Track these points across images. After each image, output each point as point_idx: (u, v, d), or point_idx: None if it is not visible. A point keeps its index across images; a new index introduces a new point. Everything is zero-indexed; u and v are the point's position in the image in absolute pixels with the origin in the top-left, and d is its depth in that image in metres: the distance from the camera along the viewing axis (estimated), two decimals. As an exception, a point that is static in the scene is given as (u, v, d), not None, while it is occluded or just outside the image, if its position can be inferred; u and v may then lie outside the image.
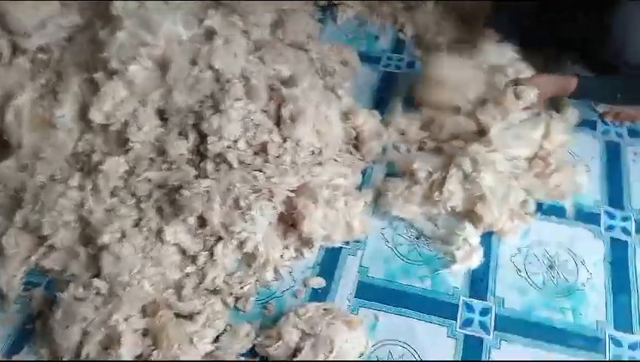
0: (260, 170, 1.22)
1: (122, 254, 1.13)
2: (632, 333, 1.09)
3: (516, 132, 1.28)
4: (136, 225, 1.18)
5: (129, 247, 1.13)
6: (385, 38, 1.75)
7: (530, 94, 1.28)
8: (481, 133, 1.31)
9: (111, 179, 1.23)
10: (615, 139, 1.44)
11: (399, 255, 1.22)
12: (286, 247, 1.20)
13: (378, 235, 1.25)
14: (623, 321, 1.11)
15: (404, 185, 1.28)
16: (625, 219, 1.27)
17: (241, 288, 1.13)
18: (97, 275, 1.13)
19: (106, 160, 1.24)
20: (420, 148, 1.39)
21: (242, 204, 1.16)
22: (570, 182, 1.28)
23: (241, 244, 1.15)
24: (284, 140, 1.26)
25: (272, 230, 1.19)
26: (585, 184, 1.31)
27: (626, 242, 1.23)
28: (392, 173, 1.35)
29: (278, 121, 1.30)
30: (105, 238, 1.14)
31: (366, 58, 1.67)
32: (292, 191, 1.22)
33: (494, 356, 1.06)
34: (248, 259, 1.17)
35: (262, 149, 1.26)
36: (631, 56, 1.29)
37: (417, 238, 1.24)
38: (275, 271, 1.17)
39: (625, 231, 1.25)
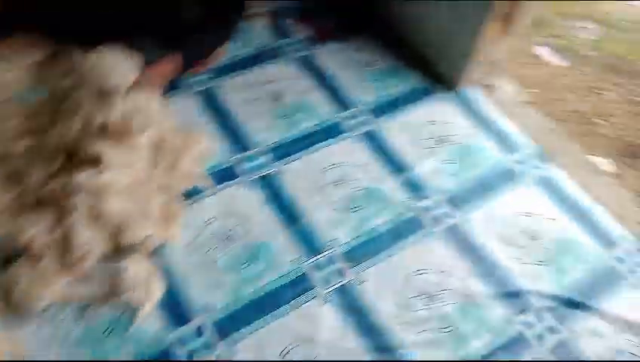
0: None
1: None
2: (322, 252, 1.12)
3: (117, 138, 1.09)
4: None
5: None
6: None
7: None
8: (86, 158, 1.07)
9: None
10: (208, 86, 1.39)
11: (78, 351, 0.96)
12: None
13: (30, 348, 0.95)
14: (310, 247, 1.13)
15: (29, 266, 0.99)
16: (257, 156, 1.26)
17: None
18: None
19: None
20: (16, 212, 1.06)
21: None
22: (197, 154, 1.20)
23: None
24: None
25: None
26: (210, 146, 1.24)
27: (271, 175, 1.23)
28: (7, 261, 1.02)
29: None
30: None
31: None
32: None
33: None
34: None
35: None
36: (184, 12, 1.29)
37: (83, 315, 0.99)
38: None
39: (264, 166, 1.25)
